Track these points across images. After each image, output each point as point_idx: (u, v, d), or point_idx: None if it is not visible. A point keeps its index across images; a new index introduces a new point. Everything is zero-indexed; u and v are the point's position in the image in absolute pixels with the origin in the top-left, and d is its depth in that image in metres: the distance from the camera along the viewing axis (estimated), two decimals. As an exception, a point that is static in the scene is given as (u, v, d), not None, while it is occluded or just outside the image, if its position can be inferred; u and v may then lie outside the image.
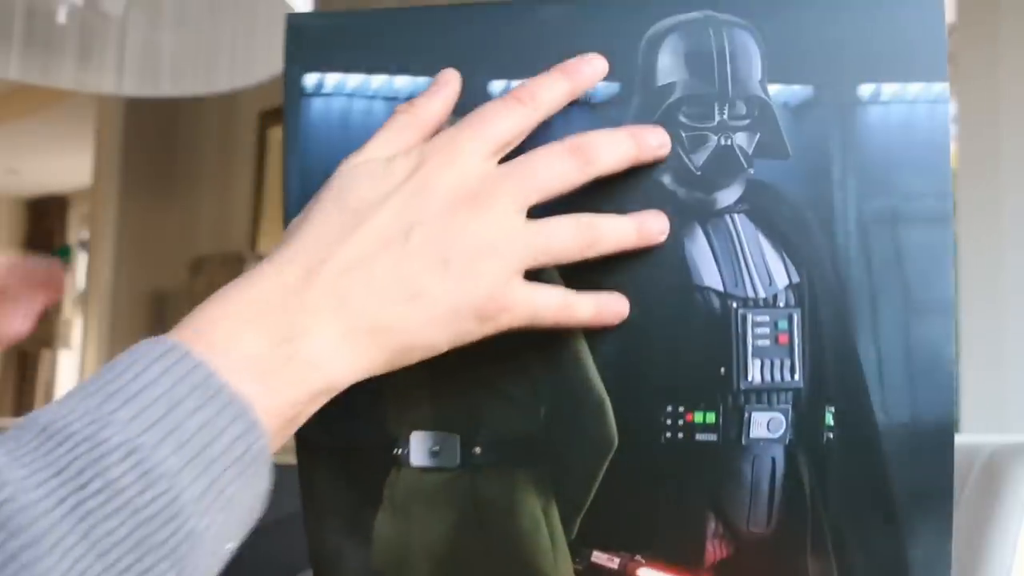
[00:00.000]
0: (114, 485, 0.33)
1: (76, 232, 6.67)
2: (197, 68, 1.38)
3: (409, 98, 0.51)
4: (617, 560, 0.50)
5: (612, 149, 0.47)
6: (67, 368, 6.11)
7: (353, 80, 0.53)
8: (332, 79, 0.53)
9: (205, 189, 4.36)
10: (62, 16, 1.25)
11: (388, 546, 0.52)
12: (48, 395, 6.14)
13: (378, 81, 0.53)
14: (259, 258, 0.77)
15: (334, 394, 0.43)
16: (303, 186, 0.53)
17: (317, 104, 0.53)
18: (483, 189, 0.45)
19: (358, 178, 0.46)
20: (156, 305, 4.20)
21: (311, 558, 0.54)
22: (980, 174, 2.20)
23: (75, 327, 5.63)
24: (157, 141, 4.53)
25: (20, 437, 0.34)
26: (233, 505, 0.38)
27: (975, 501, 0.87)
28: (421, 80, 0.52)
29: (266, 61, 1.31)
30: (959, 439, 0.94)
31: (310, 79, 0.54)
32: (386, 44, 0.53)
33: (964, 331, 2.20)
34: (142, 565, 0.33)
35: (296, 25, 0.54)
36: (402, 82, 0.53)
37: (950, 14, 2.16)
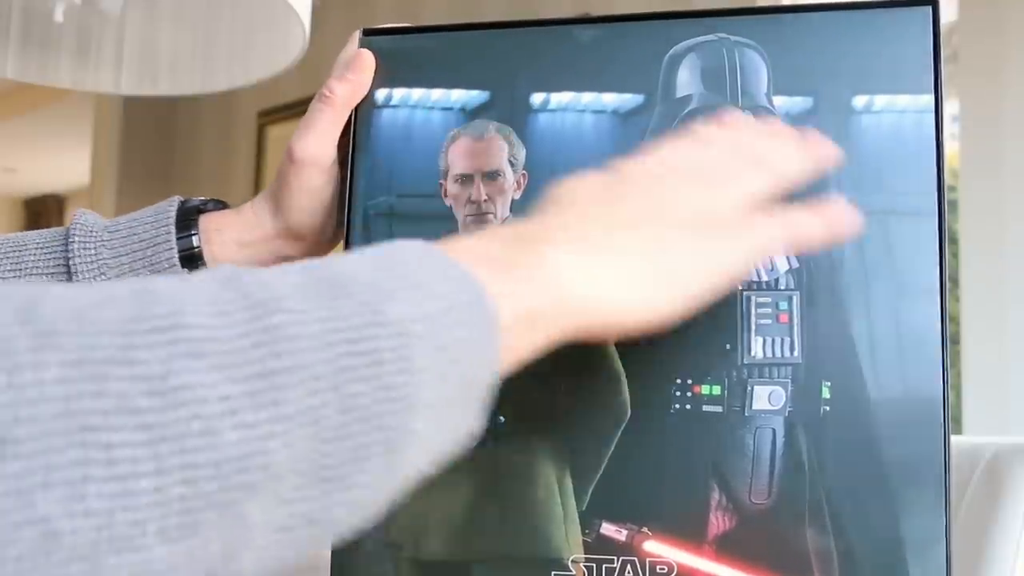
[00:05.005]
0: (376, 355, 0.34)
1: (74, 231, 6.66)
2: (195, 66, 1.37)
3: (463, 109, 0.59)
4: (625, 532, 0.53)
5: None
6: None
7: (416, 93, 0.60)
8: (399, 92, 0.60)
9: (203, 188, 4.35)
10: (59, 14, 1.25)
11: (407, 517, 0.55)
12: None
13: (437, 94, 0.60)
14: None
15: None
16: (368, 186, 0.60)
17: (386, 114, 0.60)
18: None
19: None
20: (154, 304, 4.19)
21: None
22: (982, 173, 2.20)
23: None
24: (155, 140, 4.53)
25: (306, 279, 0.35)
26: (448, 421, 0.38)
27: (978, 502, 0.87)
28: (473, 92, 0.59)
29: (264, 60, 1.31)
30: (962, 440, 0.94)
31: (381, 93, 0.61)
32: (445, 62, 0.60)
33: (966, 332, 2.19)
34: (360, 437, 0.33)
35: (369, 45, 0.61)
36: (457, 94, 0.59)
37: (951, 11, 2.15)
